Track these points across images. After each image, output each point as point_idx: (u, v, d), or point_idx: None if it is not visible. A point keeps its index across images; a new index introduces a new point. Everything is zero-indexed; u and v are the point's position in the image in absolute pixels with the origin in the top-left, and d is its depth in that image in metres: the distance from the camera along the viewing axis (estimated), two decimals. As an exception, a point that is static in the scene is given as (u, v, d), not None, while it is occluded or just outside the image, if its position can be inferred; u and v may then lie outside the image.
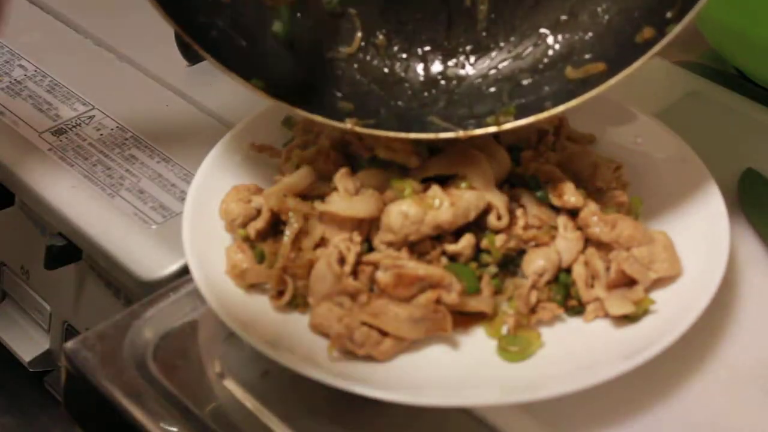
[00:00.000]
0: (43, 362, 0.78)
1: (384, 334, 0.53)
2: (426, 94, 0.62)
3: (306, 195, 0.60)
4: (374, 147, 0.59)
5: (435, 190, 0.57)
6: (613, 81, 0.55)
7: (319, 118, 0.58)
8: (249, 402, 0.54)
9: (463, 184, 0.58)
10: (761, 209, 0.65)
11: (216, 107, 0.76)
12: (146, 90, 0.79)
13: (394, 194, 0.58)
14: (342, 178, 0.58)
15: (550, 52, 0.61)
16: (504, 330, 0.55)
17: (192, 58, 0.80)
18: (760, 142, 0.71)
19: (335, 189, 0.58)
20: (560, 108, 0.56)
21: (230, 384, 0.55)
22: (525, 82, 0.61)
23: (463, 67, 0.63)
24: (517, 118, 0.57)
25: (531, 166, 0.60)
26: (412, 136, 0.58)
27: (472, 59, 0.63)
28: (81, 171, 0.70)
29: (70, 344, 0.57)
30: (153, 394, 0.54)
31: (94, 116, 0.76)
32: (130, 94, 0.78)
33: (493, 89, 0.61)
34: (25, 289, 0.78)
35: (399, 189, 0.57)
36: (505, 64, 0.62)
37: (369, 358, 0.53)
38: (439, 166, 0.59)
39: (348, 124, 0.58)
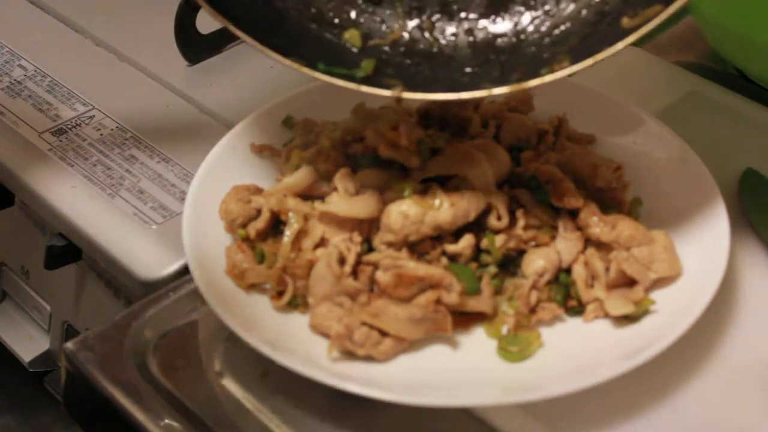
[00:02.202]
0: (43, 362, 0.78)
1: (384, 334, 0.53)
2: (477, 69, 0.60)
3: (306, 195, 0.60)
4: (376, 146, 0.59)
5: (435, 190, 0.57)
6: (670, 11, 0.53)
7: (365, 88, 0.56)
8: (249, 402, 0.54)
9: (463, 185, 0.58)
10: (761, 209, 0.65)
11: (216, 107, 0.76)
12: (146, 90, 0.78)
13: (394, 194, 0.57)
14: (342, 178, 0.58)
15: (607, 8, 0.59)
16: (504, 330, 0.55)
17: (192, 58, 0.80)
18: (760, 142, 0.71)
19: (335, 189, 0.58)
20: (619, 45, 0.54)
21: (230, 384, 0.55)
22: (579, 40, 0.59)
23: (515, 36, 0.61)
24: (572, 63, 0.55)
25: (531, 166, 0.60)
26: (464, 95, 0.56)
27: (525, 26, 0.61)
28: (81, 171, 0.70)
29: (70, 344, 0.57)
30: (153, 394, 0.54)
31: (94, 116, 0.76)
32: (130, 94, 0.78)
33: (546, 55, 0.59)
34: (25, 289, 0.78)
35: (399, 189, 0.57)
36: (558, 28, 0.60)
37: (369, 358, 0.53)
38: (439, 167, 0.59)
39: (395, 92, 0.56)
